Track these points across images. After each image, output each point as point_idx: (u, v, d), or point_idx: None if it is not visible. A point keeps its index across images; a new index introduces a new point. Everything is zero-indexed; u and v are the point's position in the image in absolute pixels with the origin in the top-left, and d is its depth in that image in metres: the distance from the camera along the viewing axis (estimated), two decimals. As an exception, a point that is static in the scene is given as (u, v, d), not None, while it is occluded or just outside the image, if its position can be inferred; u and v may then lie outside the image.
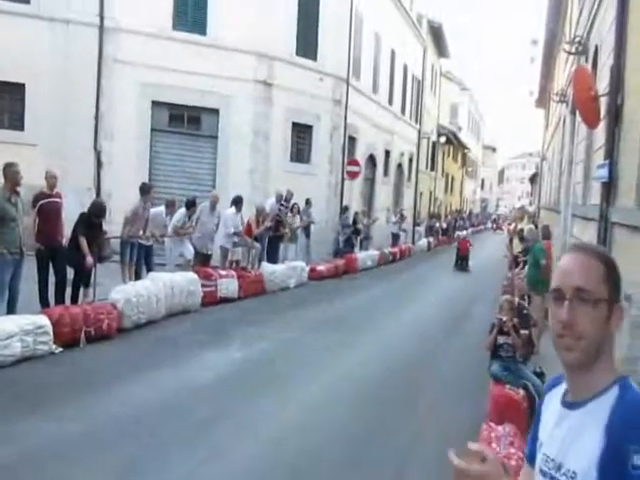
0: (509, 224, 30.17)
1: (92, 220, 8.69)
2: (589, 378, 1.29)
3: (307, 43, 17.42)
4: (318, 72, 17.72)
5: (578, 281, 1.29)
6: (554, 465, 1.29)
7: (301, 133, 17.75)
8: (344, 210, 19.01)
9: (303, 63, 17.20)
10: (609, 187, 7.52)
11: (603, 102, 7.96)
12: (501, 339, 5.78)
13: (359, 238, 19.71)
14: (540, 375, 6.22)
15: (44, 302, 8.03)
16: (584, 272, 1.30)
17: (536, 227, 13.94)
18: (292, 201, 15.11)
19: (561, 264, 1.36)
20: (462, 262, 20.26)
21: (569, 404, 1.33)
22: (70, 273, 8.54)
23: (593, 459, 1.19)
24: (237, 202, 12.63)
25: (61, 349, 7.03)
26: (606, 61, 8.31)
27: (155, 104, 15.03)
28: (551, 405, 1.41)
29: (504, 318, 5.85)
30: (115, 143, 14.59)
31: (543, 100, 28.80)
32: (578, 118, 11.32)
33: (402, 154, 27.98)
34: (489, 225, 57.53)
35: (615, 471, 1.15)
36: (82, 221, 8.63)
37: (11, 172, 7.31)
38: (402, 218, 24.29)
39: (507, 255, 16.01)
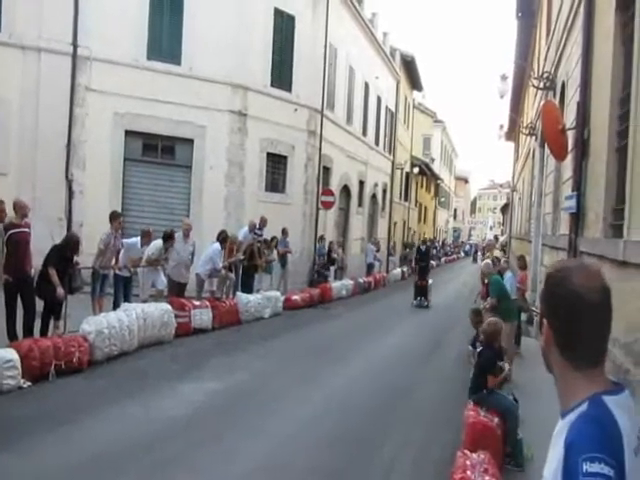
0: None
1: (65, 254, 8.56)
2: (562, 392, 1.37)
3: (282, 74, 17.62)
4: (292, 103, 17.91)
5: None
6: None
7: (276, 163, 17.83)
8: (320, 240, 19.08)
9: (278, 94, 17.38)
10: (577, 218, 7.69)
11: (570, 135, 8.19)
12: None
13: (333, 268, 19.72)
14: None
15: (12, 335, 7.80)
16: None
17: (507, 257, 14.13)
18: (266, 230, 15.09)
19: None
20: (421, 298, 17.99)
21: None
22: (39, 305, 8.34)
23: (556, 471, 1.23)
24: (223, 239, 12.69)
25: (29, 383, 6.83)
26: (573, 96, 8.57)
27: (129, 133, 14.98)
28: None
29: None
30: (87, 172, 14.45)
31: (513, 133, 29.46)
32: (547, 151, 11.60)
33: (376, 184, 28.26)
34: (462, 254, 58.29)
35: None
36: (54, 253, 8.48)
37: None
38: (377, 247, 24.47)
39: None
